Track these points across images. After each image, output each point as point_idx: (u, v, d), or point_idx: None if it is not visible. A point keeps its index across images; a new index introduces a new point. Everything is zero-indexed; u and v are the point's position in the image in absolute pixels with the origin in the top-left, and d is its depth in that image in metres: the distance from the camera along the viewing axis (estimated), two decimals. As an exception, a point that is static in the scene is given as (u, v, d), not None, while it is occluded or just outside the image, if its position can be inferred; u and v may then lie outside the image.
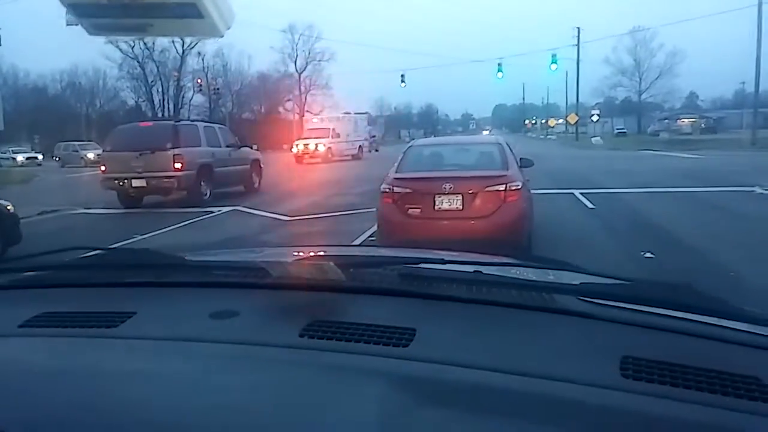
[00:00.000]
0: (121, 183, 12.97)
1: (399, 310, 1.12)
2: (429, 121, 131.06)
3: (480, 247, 2.33)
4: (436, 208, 6.06)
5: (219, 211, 12.18)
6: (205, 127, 14.85)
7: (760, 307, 1.12)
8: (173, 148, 12.83)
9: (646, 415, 0.76)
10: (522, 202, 6.13)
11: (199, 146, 13.62)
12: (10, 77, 62.74)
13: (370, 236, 8.67)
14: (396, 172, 6.63)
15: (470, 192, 6.04)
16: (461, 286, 1.23)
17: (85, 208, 13.37)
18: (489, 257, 1.56)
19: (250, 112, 71.49)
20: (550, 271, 1.41)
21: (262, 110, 71.70)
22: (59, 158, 40.80)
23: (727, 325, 1.02)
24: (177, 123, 14.45)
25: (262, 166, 16.69)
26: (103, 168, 13.62)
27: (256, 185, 16.04)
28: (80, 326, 1.06)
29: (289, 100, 75.01)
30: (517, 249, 5.73)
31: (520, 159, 7.14)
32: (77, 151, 39.92)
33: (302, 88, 76.92)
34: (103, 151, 14.10)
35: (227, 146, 14.86)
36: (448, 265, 1.33)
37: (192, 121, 15.69)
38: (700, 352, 0.94)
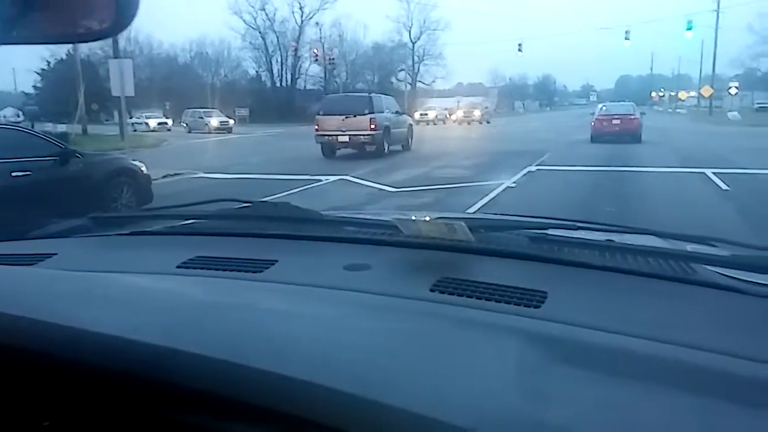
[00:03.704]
0: (330, 138, 17.34)
1: (529, 273, 1.11)
2: (545, 93, 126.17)
3: (622, 136, 20.54)
4: (611, 123, 21.77)
5: (326, 180, 12.32)
6: (384, 97, 19.50)
7: None
8: (369, 113, 17.15)
9: None
10: (639, 122, 21.87)
11: (383, 112, 17.96)
12: (145, 47, 67.21)
13: (477, 210, 8.36)
14: (597, 114, 23.04)
15: (622, 119, 21.93)
16: (593, 252, 1.22)
17: (204, 173, 14.07)
18: (621, 226, 1.52)
19: (364, 82, 72.02)
20: (689, 243, 1.31)
21: (375, 80, 72.04)
22: (186, 124, 43.42)
23: None
24: (371, 95, 19.05)
25: (413, 129, 21.32)
26: (316, 127, 17.78)
27: (409, 145, 20.05)
28: (230, 270, 1.16)
29: (401, 70, 74.97)
30: (637, 139, 21.03)
31: (641, 113, 23.03)
32: (202, 118, 42.09)
33: (415, 57, 76.60)
34: (317, 114, 18.36)
35: (394, 112, 19.13)
36: (579, 231, 1.34)
37: (374, 93, 20.67)
38: None
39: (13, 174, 6.74)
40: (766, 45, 71.23)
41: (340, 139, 17.22)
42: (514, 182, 11.33)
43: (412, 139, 20.48)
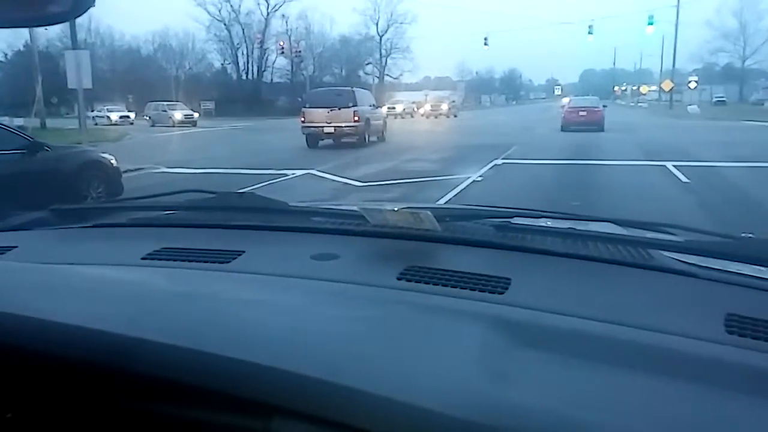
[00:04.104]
0: (316, 129, 18.61)
1: (494, 261, 1.13)
2: (511, 87, 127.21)
3: (588, 126, 24.18)
4: (579, 114, 25.74)
5: (292, 174, 12.18)
6: (363, 92, 21.07)
7: None
8: (353, 106, 18.59)
9: (754, 369, 0.73)
10: (602, 113, 25.84)
11: (364, 106, 19.33)
12: (107, 38, 65.42)
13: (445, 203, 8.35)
14: (567, 105, 28.42)
15: (588, 111, 25.89)
16: (556, 240, 1.24)
17: (166, 168, 13.77)
18: (582, 215, 1.57)
19: (331, 75, 71.48)
20: (649, 231, 1.34)
21: (343, 73, 71.54)
22: (149, 117, 42.44)
23: None
24: (353, 89, 20.26)
25: (386, 122, 22.88)
26: (302, 119, 19.09)
27: (384, 137, 21.29)
28: (196, 261, 1.14)
29: (369, 63, 74.72)
30: (600, 128, 24.29)
31: (603, 106, 27.10)
32: (166, 111, 41.18)
33: (383, 51, 76.42)
34: (303, 107, 19.66)
35: (371, 106, 20.32)
36: (542, 220, 1.38)
37: (353, 88, 21.34)
38: None
39: None
40: (724, 40, 73.33)
41: (326, 130, 18.58)
42: (480, 176, 11.38)
43: (386, 131, 21.79)
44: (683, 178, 10.53)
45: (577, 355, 0.75)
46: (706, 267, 1.07)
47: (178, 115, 40.08)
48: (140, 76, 59.55)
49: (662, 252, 1.15)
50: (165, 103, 43.00)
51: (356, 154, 16.28)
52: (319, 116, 18.61)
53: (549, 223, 1.38)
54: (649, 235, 1.27)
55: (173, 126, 37.93)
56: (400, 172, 12.09)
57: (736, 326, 0.83)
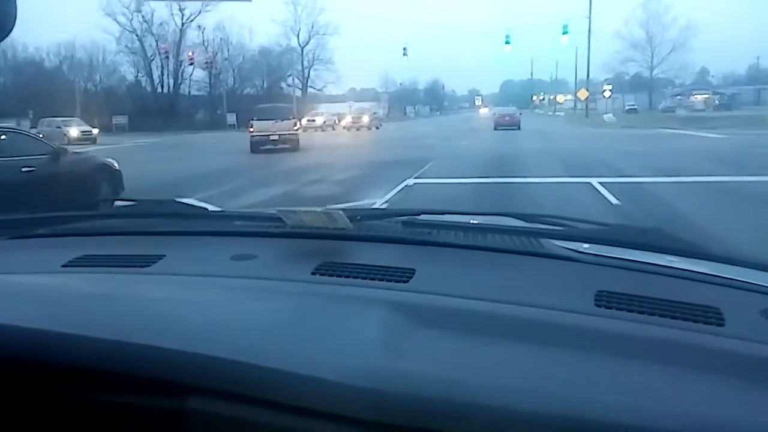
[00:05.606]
0: (262, 137, 22.54)
1: (401, 255, 1.20)
2: (435, 98, 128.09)
3: (511, 126, 38.17)
4: (504, 119, 40.56)
5: (163, 205, 10.19)
6: (294, 107, 27.34)
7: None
8: (293, 118, 24.00)
9: (615, 334, 0.85)
10: (519, 117, 40.91)
11: (295, 118, 24.74)
12: (9, 50, 60.29)
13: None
14: (497, 114, 44.57)
15: (510, 116, 40.85)
16: (458, 233, 1.35)
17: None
18: (486, 211, 1.84)
19: (252, 87, 68.87)
20: (540, 223, 1.40)
21: (264, 85, 69.04)
22: (42, 135, 38.64)
23: (693, 266, 1.11)
24: (290, 105, 25.56)
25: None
26: (251, 129, 23.14)
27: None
28: (117, 266, 1.16)
29: (291, 75, 72.60)
30: (518, 126, 38.50)
31: (519, 113, 42.92)
32: (60, 128, 37.37)
33: (305, 62, 74.57)
34: (252, 119, 23.65)
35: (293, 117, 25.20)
36: (446, 216, 1.52)
37: (289, 104, 28.04)
38: (667, 287, 1.02)
39: (23, 169, 7.89)
40: (633, 50, 76.04)
41: (271, 137, 22.71)
42: (386, 201, 9.80)
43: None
44: (612, 200, 9.26)
45: (469, 331, 0.84)
46: (585, 252, 1.18)
47: (73, 132, 36.57)
48: (44, 90, 54.82)
49: (550, 240, 1.25)
50: (59, 119, 39.02)
51: (253, 176, 14.43)
52: (265, 127, 22.75)
53: (452, 218, 1.49)
54: (541, 225, 1.34)
55: (69, 144, 34.55)
56: (295, 200, 10.30)
57: (604, 300, 0.94)
